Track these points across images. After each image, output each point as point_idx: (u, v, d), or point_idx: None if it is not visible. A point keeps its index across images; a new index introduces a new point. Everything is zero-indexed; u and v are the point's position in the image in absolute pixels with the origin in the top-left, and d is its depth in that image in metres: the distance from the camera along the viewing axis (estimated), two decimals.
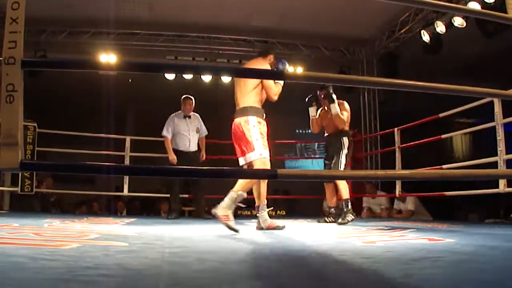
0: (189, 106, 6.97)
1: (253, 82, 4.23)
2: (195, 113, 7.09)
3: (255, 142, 4.14)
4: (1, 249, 2.26)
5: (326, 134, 5.99)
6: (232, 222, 3.77)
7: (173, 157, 6.62)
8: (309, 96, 5.89)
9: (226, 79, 9.97)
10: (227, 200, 3.85)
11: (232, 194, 3.88)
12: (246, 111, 4.21)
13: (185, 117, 6.96)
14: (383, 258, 2.18)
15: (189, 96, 7.08)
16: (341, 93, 9.95)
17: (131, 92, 11.38)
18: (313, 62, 9.97)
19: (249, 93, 4.24)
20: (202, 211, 6.83)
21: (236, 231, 3.73)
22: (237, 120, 4.24)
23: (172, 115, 6.98)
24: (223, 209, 3.81)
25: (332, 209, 5.84)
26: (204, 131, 7.14)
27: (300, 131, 13.95)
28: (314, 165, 13.40)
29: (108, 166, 2.33)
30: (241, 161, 4.36)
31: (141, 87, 10.79)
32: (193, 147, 6.91)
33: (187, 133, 6.87)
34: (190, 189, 7.28)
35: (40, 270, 1.65)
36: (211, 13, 8.70)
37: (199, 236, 3.54)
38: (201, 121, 7.11)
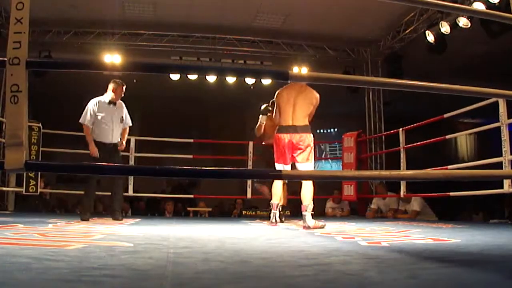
0: (120, 91, 5.93)
1: (312, 107, 5.01)
2: (121, 101, 6.06)
3: (312, 156, 4.93)
4: (5, 249, 2.27)
5: (266, 143, 6.21)
6: (321, 224, 4.67)
7: (95, 150, 5.66)
8: (266, 105, 6.07)
9: (230, 79, 9.98)
10: (308, 215, 4.67)
11: (309, 207, 4.73)
12: (307, 129, 4.94)
13: (110, 103, 5.89)
14: (388, 258, 2.18)
15: (122, 81, 6.02)
16: (346, 93, 10.01)
17: (135, 93, 11.37)
18: (318, 63, 9.95)
19: (307, 114, 4.98)
20: (117, 210, 5.82)
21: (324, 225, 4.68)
22: (300, 135, 4.87)
23: (94, 100, 5.88)
24: (311, 221, 4.63)
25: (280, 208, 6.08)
26: (129, 121, 6.15)
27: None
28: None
29: (112, 167, 2.33)
30: (285, 168, 4.96)
31: (146, 88, 10.81)
32: (116, 139, 5.91)
33: (110, 123, 5.85)
34: (113, 187, 5.94)
35: (45, 271, 1.66)
36: (216, 14, 8.70)
37: (204, 237, 3.54)
38: (126, 110, 6.11)
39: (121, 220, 5.57)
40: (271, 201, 5.24)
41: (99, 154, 5.64)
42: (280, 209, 5.86)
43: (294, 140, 4.86)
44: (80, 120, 5.75)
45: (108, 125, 5.81)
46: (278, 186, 5.25)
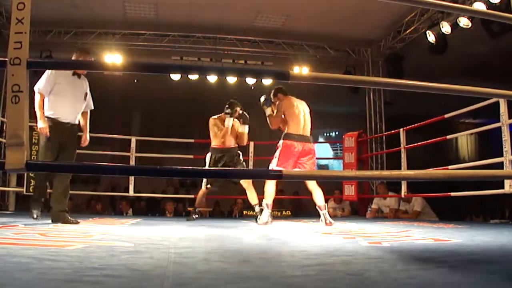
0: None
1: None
2: (85, 78, 4.97)
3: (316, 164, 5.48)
4: (6, 249, 2.26)
5: (228, 146, 6.22)
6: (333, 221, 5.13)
7: (46, 126, 4.46)
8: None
9: (231, 79, 9.98)
10: (327, 213, 5.10)
11: (326, 206, 5.21)
12: (312, 139, 5.38)
13: (74, 75, 4.75)
14: (389, 258, 2.18)
15: (88, 50, 5.08)
16: (347, 93, 10.01)
17: (136, 93, 11.40)
18: (319, 63, 9.98)
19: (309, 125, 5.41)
20: (62, 210, 4.58)
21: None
22: (311, 145, 5.32)
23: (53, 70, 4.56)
24: (330, 218, 5.10)
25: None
26: (91, 104, 5.09)
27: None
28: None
29: (113, 167, 2.33)
30: None
31: (146, 88, 10.81)
32: (76, 119, 4.82)
33: (72, 97, 4.72)
34: (53, 183, 4.76)
35: (45, 271, 1.66)
36: (217, 14, 8.70)
37: (204, 237, 3.54)
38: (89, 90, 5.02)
39: (76, 222, 4.49)
40: (265, 202, 5.22)
41: (54, 135, 4.53)
42: (257, 208, 5.86)
43: (306, 148, 5.23)
44: (36, 87, 4.52)
45: (69, 100, 4.69)
46: (271, 187, 5.30)
